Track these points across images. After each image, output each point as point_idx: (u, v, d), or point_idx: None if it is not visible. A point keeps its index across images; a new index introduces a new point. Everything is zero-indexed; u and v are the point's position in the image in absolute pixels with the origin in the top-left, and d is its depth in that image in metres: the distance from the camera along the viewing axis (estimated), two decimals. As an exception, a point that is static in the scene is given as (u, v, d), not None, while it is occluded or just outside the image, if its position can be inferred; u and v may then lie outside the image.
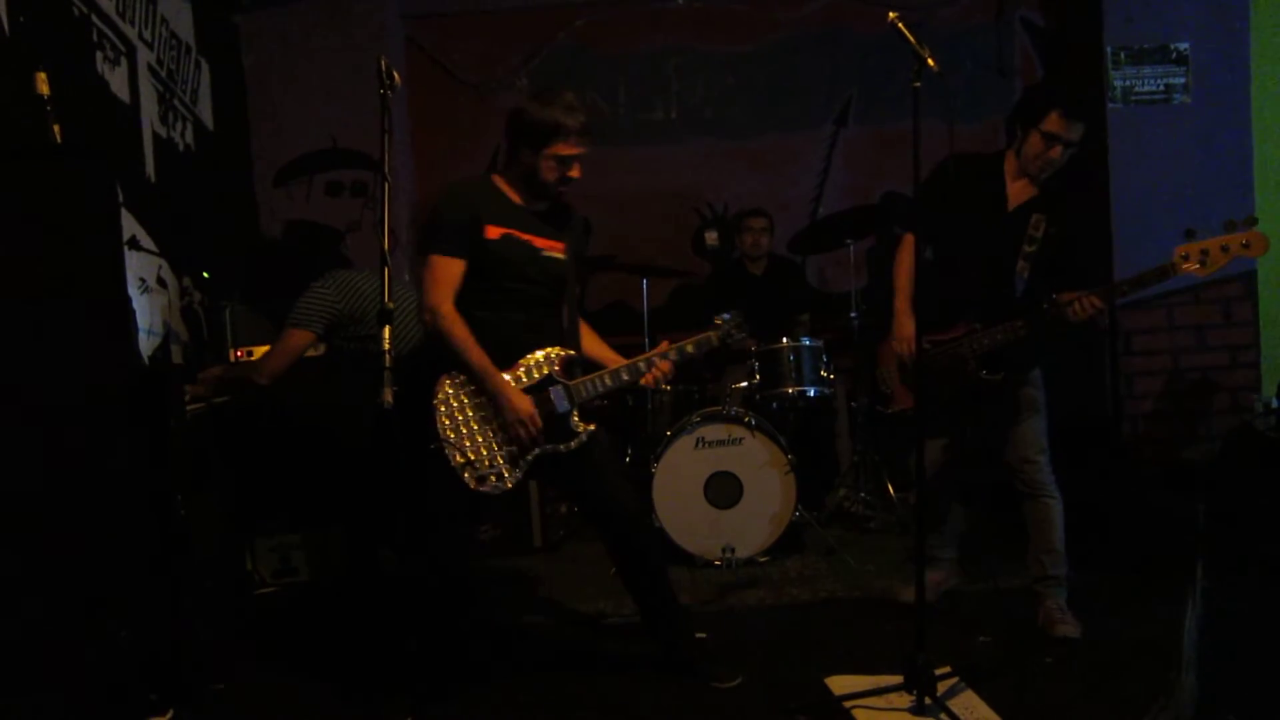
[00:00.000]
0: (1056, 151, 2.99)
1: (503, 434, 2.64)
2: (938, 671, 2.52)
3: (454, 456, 2.61)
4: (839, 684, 2.69)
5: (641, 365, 2.80)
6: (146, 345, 3.72)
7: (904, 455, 4.22)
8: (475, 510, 2.70)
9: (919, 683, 2.45)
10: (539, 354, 2.71)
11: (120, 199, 2.86)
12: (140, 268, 3.76)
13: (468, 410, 2.65)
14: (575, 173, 2.70)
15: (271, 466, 3.85)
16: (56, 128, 2.70)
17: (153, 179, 4.05)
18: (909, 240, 3.23)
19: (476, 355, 2.61)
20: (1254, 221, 2.75)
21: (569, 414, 2.71)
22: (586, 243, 2.95)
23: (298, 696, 2.82)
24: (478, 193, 2.73)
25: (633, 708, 2.63)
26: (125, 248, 3.34)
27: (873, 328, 4.37)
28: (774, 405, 4.37)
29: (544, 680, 2.86)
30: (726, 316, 2.95)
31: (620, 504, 2.77)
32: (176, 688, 2.63)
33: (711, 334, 2.91)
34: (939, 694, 2.47)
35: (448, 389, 2.66)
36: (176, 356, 3.94)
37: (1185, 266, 2.81)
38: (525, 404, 2.62)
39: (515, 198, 2.75)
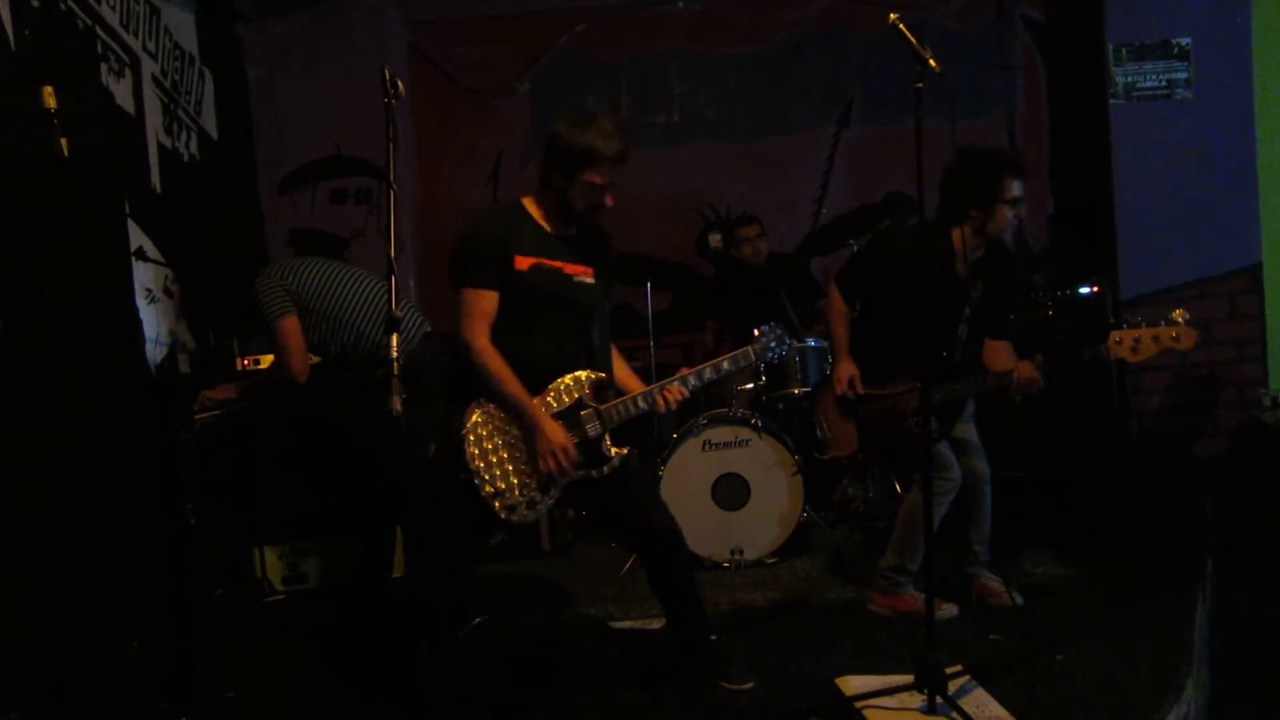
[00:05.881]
0: (1020, 211, 3.12)
1: (534, 463, 2.59)
2: (948, 670, 2.51)
3: (483, 487, 2.58)
4: (850, 684, 2.68)
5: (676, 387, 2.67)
6: (154, 355, 3.74)
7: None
8: (486, 520, 2.66)
9: (930, 682, 2.45)
10: (568, 378, 2.65)
11: (127, 210, 2.88)
12: (147, 278, 3.78)
13: (497, 439, 2.61)
14: (609, 200, 2.65)
15: (279, 475, 3.86)
16: (64, 140, 2.72)
17: (158, 189, 4.07)
18: (839, 294, 3.35)
19: (513, 388, 2.57)
20: (1185, 316, 2.86)
21: (601, 438, 2.64)
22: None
23: (308, 704, 2.82)
24: (505, 221, 2.68)
25: (643, 711, 2.63)
26: (132, 258, 3.36)
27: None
28: (780, 406, 4.37)
29: (553, 684, 2.86)
30: (765, 329, 2.78)
31: (653, 526, 2.71)
32: (188, 697, 2.64)
33: (750, 349, 2.75)
34: (950, 693, 2.46)
35: (476, 417, 2.61)
36: (184, 366, 3.96)
37: (1118, 351, 2.91)
38: (561, 436, 2.56)
39: (544, 223, 2.70)
